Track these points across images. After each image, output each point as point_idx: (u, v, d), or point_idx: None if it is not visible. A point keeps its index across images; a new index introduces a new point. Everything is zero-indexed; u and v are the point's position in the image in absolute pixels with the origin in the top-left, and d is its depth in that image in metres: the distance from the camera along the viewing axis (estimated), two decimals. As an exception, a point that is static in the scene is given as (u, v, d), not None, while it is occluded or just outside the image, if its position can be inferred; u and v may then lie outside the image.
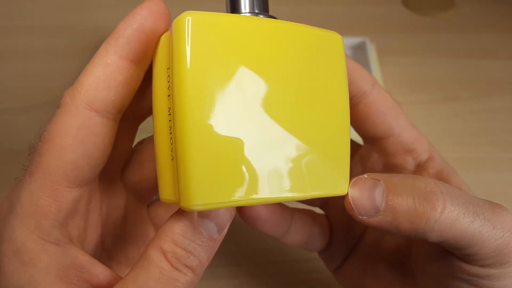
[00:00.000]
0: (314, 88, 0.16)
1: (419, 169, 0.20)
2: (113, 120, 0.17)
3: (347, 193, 0.17)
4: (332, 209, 0.24)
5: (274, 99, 0.15)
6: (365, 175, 0.17)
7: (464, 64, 0.48)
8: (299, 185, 0.16)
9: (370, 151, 0.22)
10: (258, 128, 0.15)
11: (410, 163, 0.21)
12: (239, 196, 0.14)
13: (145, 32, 0.16)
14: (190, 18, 0.14)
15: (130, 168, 0.21)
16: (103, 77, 0.16)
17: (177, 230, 0.15)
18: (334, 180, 0.17)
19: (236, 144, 0.14)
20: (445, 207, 0.15)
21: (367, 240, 0.23)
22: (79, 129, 0.15)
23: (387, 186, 0.16)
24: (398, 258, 0.22)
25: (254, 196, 0.15)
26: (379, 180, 0.16)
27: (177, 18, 0.15)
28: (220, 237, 0.16)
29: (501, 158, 0.38)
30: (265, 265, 0.30)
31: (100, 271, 0.16)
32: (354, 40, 0.46)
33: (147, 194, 0.22)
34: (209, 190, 0.14)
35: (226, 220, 0.16)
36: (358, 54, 0.46)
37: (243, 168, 0.14)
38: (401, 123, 0.20)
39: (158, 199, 0.23)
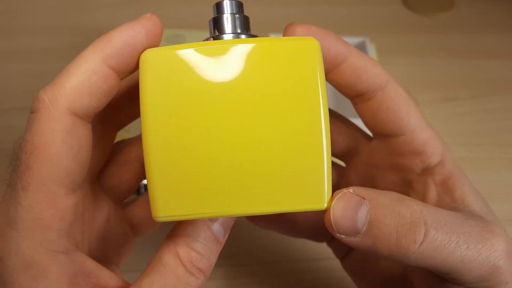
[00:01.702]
0: (280, 101, 0.16)
1: (426, 173, 0.20)
2: (90, 123, 0.17)
3: (329, 208, 0.16)
4: None
5: (236, 116, 0.16)
6: (350, 190, 0.16)
7: (464, 64, 0.48)
8: (267, 200, 0.16)
9: (379, 148, 0.21)
10: (220, 145, 0.16)
11: (417, 166, 0.20)
12: (201, 210, 0.15)
13: (136, 48, 0.16)
14: (148, 56, 0.16)
15: (109, 171, 0.21)
16: (88, 84, 0.15)
17: (191, 233, 0.16)
18: (309, 195, 0.16)
19: (197, 163, 0.15)
20: (425, 239, 0.15)
21: None
22: (65, 134, 0.15)
23: (372, 208, 0.15)
24: None
25: (217, 210, 0.15)
26: (364, 199, 0.16)
27: (141, 55, 0.16)
28: (224, 240, 0.17)
29: (501, 158, 0.38)
30: (265, 265, 0.30)
31: (106, 276, 0.16)
32: (354, 40, 0.46)
33: (124, 196, 0.22)
34: (172, 204, 0.15)
35: (230, 224, 0.17)
36: (358, 54, 0.46)
37: (206, 184, 0.16)
38: (413, 122, 0.19)
39: (132, 199, 0.24)
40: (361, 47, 0.46)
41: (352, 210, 0.15)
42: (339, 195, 0.16)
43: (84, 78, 0.15)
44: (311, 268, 0.30)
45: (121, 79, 0.17)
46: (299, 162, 0.16)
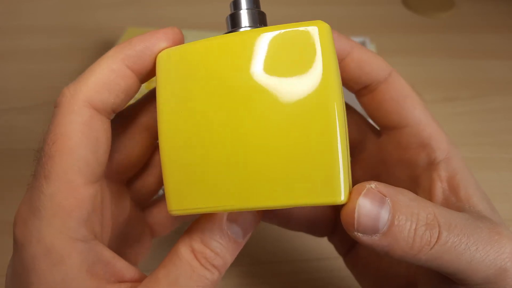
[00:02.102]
0: (290, 91, 0.15)
1: (431, 168, 0.19)
2: (109, 119, 0.17)
3: (349, 203, 0.15)
4: None
5: (246, 109, 0.15)
6: (373, 185, 0.16)
7: (464, 64, 0.48)
8: (279, 194, 0.15)
9: (386, 143, 0.21)
10: (230, 139, 0.16)
11: (423, 160, 0.19)
12: (212, 204, 0.15)
13: (155, 52, 0.17)
14: (162, 55, 0.17)
15: (138, 173, 0.22)
16: (107, 80, 0.16)
17: (207, 231, 0.16)
18: (325, 188, 0.15)
19: (208, 157, 0.16)
20: (438, 241, 0.15)
21: None
22: (84, 125, 0.16)
23: (393, 207, 0.15)
24: None
25: (228, 204, 0.15)
26: (386, 197, 0.15)
27: (157, 55, 0.17)
28: (243, 241, 0.17)
29: (501, 158, 0.38)
30: (265, 265, 0.30)
31: (123, 266, 0.17)
32: (354, 40, 0.46)
33: (146, 198, 0.23)
34: (185, 198, 0.16)
35: (251, 226, 0.17)
36: (358, 54, 0.46)
37: (217, 178, 0.16)
38: (417, 113, 0.19)
39: (151, 200, 0.24)
40: (361, 47, 0.46)
41: (377, 208, 0.15)
42: (364, 190, 0.15)
43: (103, 75, 0.16)
44: (311, 268, 0.30)
45: (141, 82, 0.18)
46: (312, 154, 0.15)
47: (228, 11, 0.18)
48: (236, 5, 0.18)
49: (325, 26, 0.16)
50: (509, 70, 0.47)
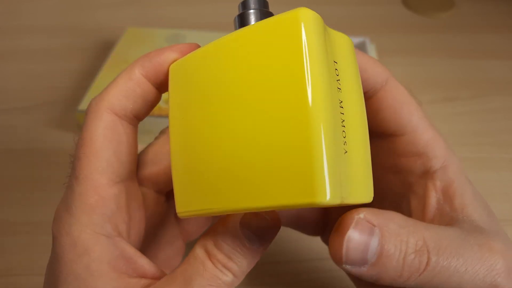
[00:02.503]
0: (271, 90, 0.15)
1: (427, 177, 0.19)
2: (132, 125, 0.19)
3: (336, 236, 0.15)
4: None
5: (230, 113, 0.16)
6: (361, 215, 0.15)
7: (464, 64, 0.48)
8: (256, 195, 0.14)
9: (380, 149, 0.21)
10: (219, 143, 0.16)
11: (418, 168, 0.19)
12: (207, 206, 0.16)
13: (169, 64, 0.19)
14: (172, 65, 0.18)
15: (147, 165, 0.22)
16: (124, 88, 0.18)
17: (219, 235, 0.17)
18: (304, 188, 0.13)
19: (202, 161, 0.16)
20: (427, 268, 0.15)
21: None
22: (106, 130, 0.18)
23: (382, 237, 0.15)
24: None
25: (221, 206, 0.15)
26: (375, 227, 0.15)
27: (170, 66, 0.18)
28: (262, 248, 0.17)
29: (501, 158, 0.38)
30: (264, 266, 0.30)
31: (145, 263, 0.18)
32: (354, 40, 0.46)
33: (164, 188, 0.23)
34: (187, 201, 0.17)
35: (268, 233, 0.17)
36: (358, 54, 0.46)
37: (211, 181, 0.16)
38: (415, 121, 0.19)
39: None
40: (361, 47, 0.46)
41: (366, 240, 0.15)
42: (353, 223, 0.15)
43: (122, 84, 0.18)
44: (310, 268, 0.30)
45: (160, 92, 0.19)
46: (292, 153, 0.14)
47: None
48: (244, 6, 0.18)
49: (308, 15, 0.14)
50: (509, 70, 0.47)
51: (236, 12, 0.19)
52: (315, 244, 0.30)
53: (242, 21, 0.18)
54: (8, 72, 0.46)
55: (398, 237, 0.15)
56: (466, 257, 0.16)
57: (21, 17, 0.55)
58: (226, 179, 0.15)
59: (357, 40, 0.46)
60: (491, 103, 0.43)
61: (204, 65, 0.17)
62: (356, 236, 0.15)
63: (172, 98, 0.18)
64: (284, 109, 0.14)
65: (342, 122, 0.15)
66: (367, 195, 0.16)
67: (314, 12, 0.15)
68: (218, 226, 0.17)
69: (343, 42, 0.17)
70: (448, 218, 0.18)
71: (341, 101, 0.15)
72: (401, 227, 0.16)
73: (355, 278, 0.23)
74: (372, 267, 0.15)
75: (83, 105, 0.37)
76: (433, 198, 0.19)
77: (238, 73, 0.15)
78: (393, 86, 0.19)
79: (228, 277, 0.16)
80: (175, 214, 0.24)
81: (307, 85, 0.14)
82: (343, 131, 0.15)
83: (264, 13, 0.18)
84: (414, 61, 0.48)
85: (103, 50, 0.49)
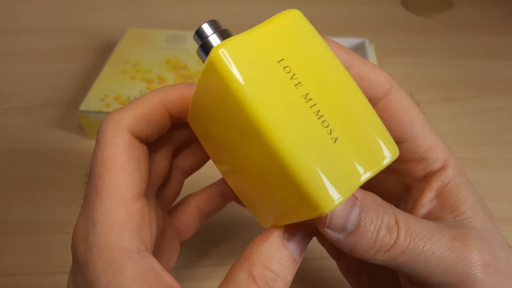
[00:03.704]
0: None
1: (426, 179, 0.19)
2: (145, 145, 0.19)
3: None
4: None
5: (243, 153, 0.16)
6: None
7: (464, 64, 0.48)
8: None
9: None
10: (250, 180, 0.17)
11: (419, 172, 0.20)
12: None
13: (187, 99, 0.19)
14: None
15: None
16: (147, 115, 0.19)
17: (266, 252, 0.17)
18: (315, 205, 0.14)
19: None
20: (395, 245, 0.16)
21: None
22: (127, 146, 0.18)
23: (362, 210, 0.16)
24: None
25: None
26: (357, 200, 0.16)
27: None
28: (300, 260, 0.17)
29: (501, 158, 0.38)
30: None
31: (170, 279, 0.17)
32: (354, 41, 0.46)
33: (170, 203, 0.24)
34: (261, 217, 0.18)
35: (306, 243, 0.18)
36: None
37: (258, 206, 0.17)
38: (416, 129, 0.19)
39: (174, 205, 0.25)
40: (361, 48, 0.46)
41: (348, 210, 0.16)
42: None
43: (146, 110, 0.19)
44: (311, 267, 0.30)
45: (173, 122, 0.20)
46: (287, 183, 0.15)
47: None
48: (200, 36, 0.18)
49: (229, 50, 0.14)
50: (508, 70, 0.48)
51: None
52: (315, 243, 0.30)
53: (207, 50, 0.18)
54: (8, 72, 0.46)
55: (375, 213, 0.16)
56: (434, 242, 0.17)
57: (22, 18, 0.55)
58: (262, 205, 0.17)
59: (356, 40, 0.46)
60: (490, 103, 0.43)
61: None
62: (341, 205, 0.16)
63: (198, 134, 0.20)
64: (256, 145, 0.15)
65: (317, 114, 0.15)
66: (391, 151, 0.16)
67: (238, 41, 0.14)
68: (260, 246, 0.17)
69: (288, 28, 0.16)
70: (435, 218, 0.18)
71: (307, 94, 0.15)
72: (379, 205, 0.17)
73: (353, 281, 0.24)
74: (349, 236, 0.16)
75: (83, 105, 0.37)
76: (426, 199, 0.19)
77: (227, 116, 0.16)
78: (396, 96, 0.19)
79: None
80: (172, 216, 0.24)
81: (257, 123, 0.14)
82: (323, 121, 0.14)
83: (222, 33, 0.18)
84: (413, 61, 0.48)
85: (104, 50, 0.49)
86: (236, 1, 0.55)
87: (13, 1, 0.57)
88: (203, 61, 0.18)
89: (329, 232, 0.16)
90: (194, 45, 0.31)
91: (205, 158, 0.23)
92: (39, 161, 0.37)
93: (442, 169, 0.19)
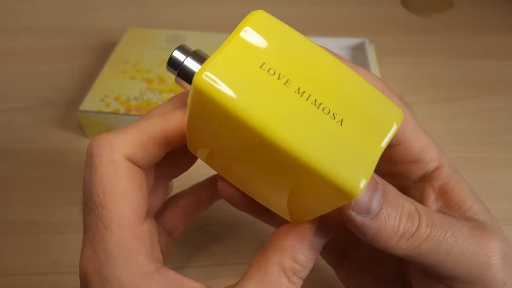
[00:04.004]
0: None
1: (424, 180, 0.20)
2: (145, 171, 0.19)
3: None
4: None
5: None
6: None
7: (464, 64, 0.48)
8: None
9: None
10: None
11: (415, 174, 0.20)
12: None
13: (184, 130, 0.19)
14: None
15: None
16: (145, 144, 0.18)
17: (298, 246, 0.18)
18: (345, 191, 0.14)
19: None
20: (417, 231, 0.16)
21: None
22: (128, 170, 0.17)
23: (384, 194, 0.16)
24: (398, 265, 0.22)
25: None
26: (378, 184, 0.16)
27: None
28: (320, 248, 0.18)
29: (501, 158, 0.38)
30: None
31: (193, 285, 0.17)
32: (354, 41, 0.46)
33: (158, 207, 0.24)
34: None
35: (330, 235, 0.18)
36: (357, 55, 0.46)
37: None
38: (409, 130, 0.19)
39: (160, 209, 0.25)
40: (361, 48, 0.46)
41: (371, 192, 0.16)
42: None
43: (144, 138, 0.18)
44: (312, 267, 0.30)
45: (167, 150, 0.19)
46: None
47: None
48: (174, 65, 0.18)
49: (209, 72, 0.14)
50: (508, 70, 0.48)
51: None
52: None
53: (186, 76, 0.18)
54: (8, 72, 0.46)
55: (395, 198, 0.16)
56: (456, 230, 0.16)
57: (22, 18, 0.55)
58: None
59: (356, 40, 0.46)
60: (490, 103, 0.43)
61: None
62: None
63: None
64: (269, 154, 0.15)
65: (315, 104, 0.15)
66: (396, 114, 0.16)
67: (216, 61, 0.14)
68: (292, 240, 0.18)
69: (258, 32, 0.15)
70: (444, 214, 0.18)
71: (299, 88, 0.15)
72: (397, 192, 0.17)
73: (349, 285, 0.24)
74: (374, 219, 0.16)
75: (83, 105, 0.37)
76: (431, 198, 0.19)
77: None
78: None
79: (298, 286, 0.18)
80: (160, 218, 0.24)
81: (263, 133, 0.14)
82: (323, 108, 0.15)
83: (194, 55, 0.18)
84: (413, 61, 0.48)
85: (104, 50, 0.49)
86: (236, 1, 0.56)
87: (13, 1, 0.57)
88: (185, 88, 0.18)
89: (353, 216, 0.16)
90: (194, 45, 0.30)
91: (189, 165, 0.23)
92: (39, 161, 0.37)
93: (438, 168, 0.19)
